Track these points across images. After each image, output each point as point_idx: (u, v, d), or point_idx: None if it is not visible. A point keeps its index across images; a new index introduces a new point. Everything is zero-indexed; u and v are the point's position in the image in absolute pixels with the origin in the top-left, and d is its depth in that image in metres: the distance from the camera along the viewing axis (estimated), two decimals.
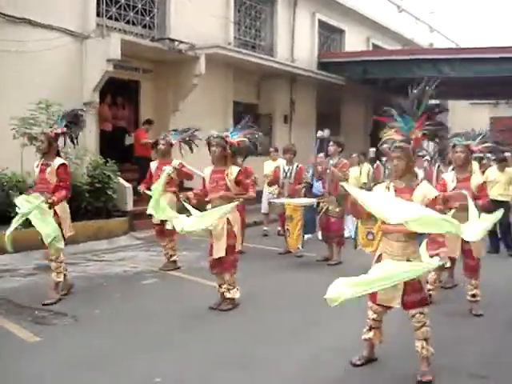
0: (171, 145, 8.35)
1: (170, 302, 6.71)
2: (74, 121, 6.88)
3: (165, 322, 6.00)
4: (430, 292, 6.12)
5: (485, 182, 6.62)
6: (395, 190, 4.56)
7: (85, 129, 7.06)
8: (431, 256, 4.35)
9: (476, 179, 6.45)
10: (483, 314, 6.24)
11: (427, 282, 4.89)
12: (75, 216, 10.01)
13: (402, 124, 4.50)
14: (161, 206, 7.06)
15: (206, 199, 6.52)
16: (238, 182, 6.37)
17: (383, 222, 4.54)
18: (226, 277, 6.39)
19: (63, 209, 6.69)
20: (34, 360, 4.90)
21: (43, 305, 6.37)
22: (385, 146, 4.63)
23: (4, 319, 5.93)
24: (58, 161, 6.64)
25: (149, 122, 13.18)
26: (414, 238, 4.53)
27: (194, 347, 5.27)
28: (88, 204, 10.65)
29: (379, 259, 4.68)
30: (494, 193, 9.80)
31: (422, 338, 4.52)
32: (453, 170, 6.72)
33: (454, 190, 6.30)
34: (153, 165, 8.42)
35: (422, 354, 4.53)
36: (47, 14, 11.13)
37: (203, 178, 6.57)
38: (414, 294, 4.50)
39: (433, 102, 4.81)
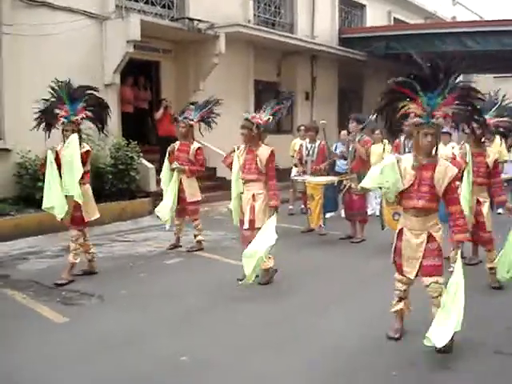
0: (191, 126, 8.33)
1: (195, 281, 6.77)
2: (95, 103, 6.81)
3: (191, 300, 6.05)
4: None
5: (497, 159, 6.54)
6: (421, 167, 4.56)
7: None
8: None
9: (492, 155, 6.43)
10: (501, 287, 6.24)
11: (447, 258, 4.91)
12: (99, 197, 10.13)
13: (424, 99, 4.43)
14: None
15: (240, 179, 6.66)
16: (265, 166, 6.53)
17: (400, 200, 4.70)
18: None
19: (84, 192, 6.65)
20: (62, 339, 4.98)
21: (54, 284, 6.48)
22: (415, 120, 4.51)
23: (32, 300, 6.03)
24: (82, 149, 6.61)
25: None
26: (432, 212, 4.60)
27: (221, 325, 5.32)
28: (111, 185, 10.73)
29: (400, 233, 4.76)
30: None
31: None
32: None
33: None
34: (175, 146, 8.41)
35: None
36: None
37: (236, 157, 6.68)
38: (430, 258, 4.57)
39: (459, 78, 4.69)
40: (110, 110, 7.08)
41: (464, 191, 6.05)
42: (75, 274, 6.79)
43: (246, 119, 6.57)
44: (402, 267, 4.73)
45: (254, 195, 6.54)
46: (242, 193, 6.67)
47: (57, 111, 6.57)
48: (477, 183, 6.29)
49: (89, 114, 6.70)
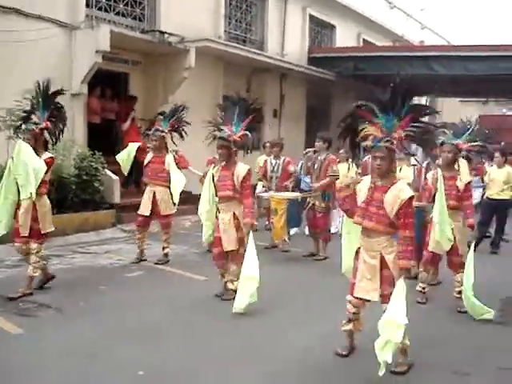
0: (163, 137, 8.25)
1: (156, 295, 6.71)
2: (57, 114, 6.67)
3: (151, 314, 6.00)
4: None
5: (469, 182, 6.58)
6: (374, 188, 4.61)
7: (72, 121, 6.92)
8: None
9: (463, 178, 6.47)
10: (466, 312, 6.28)
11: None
12: (62, 208, 10.04)
13: (383, 121, 4.49)
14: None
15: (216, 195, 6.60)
16: (241, 183, 6.49)
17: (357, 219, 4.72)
18: (233, 267, 6.46)
19: (43, 203, 6.51)
20: (16, 351, 4.89)
21: (7, 298, 6.28)
22: (367, 143, 4.57)
23: None
24: (44, 156, 6.43)
25: (132, 97, 13.60)
26: (384, 234, 4.59)
27: (180, 340, 5.29)
28: (75, 196, 10.59)
29: (358, 253, 4.79)
30: (494, 191, 9.98)
31: None
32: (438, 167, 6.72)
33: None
34: (147, 158, 8.23)
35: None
36: (36, 4, 11.01)
37: (211, 173, 6.60)
38: (388, 287, 4.56)
39: (421, 99, 4.78)
40: (66, 122, 6.91)
41: (438, 216, 6.08)
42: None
43: (223, 138, 6.40)
44: (353, 288, 4.75)
45: (235, 214, 6.46)
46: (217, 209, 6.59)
47: (33, 118, 6.45)
48: (449, 207, 6.26)
49: (49, 125, 6.53)
